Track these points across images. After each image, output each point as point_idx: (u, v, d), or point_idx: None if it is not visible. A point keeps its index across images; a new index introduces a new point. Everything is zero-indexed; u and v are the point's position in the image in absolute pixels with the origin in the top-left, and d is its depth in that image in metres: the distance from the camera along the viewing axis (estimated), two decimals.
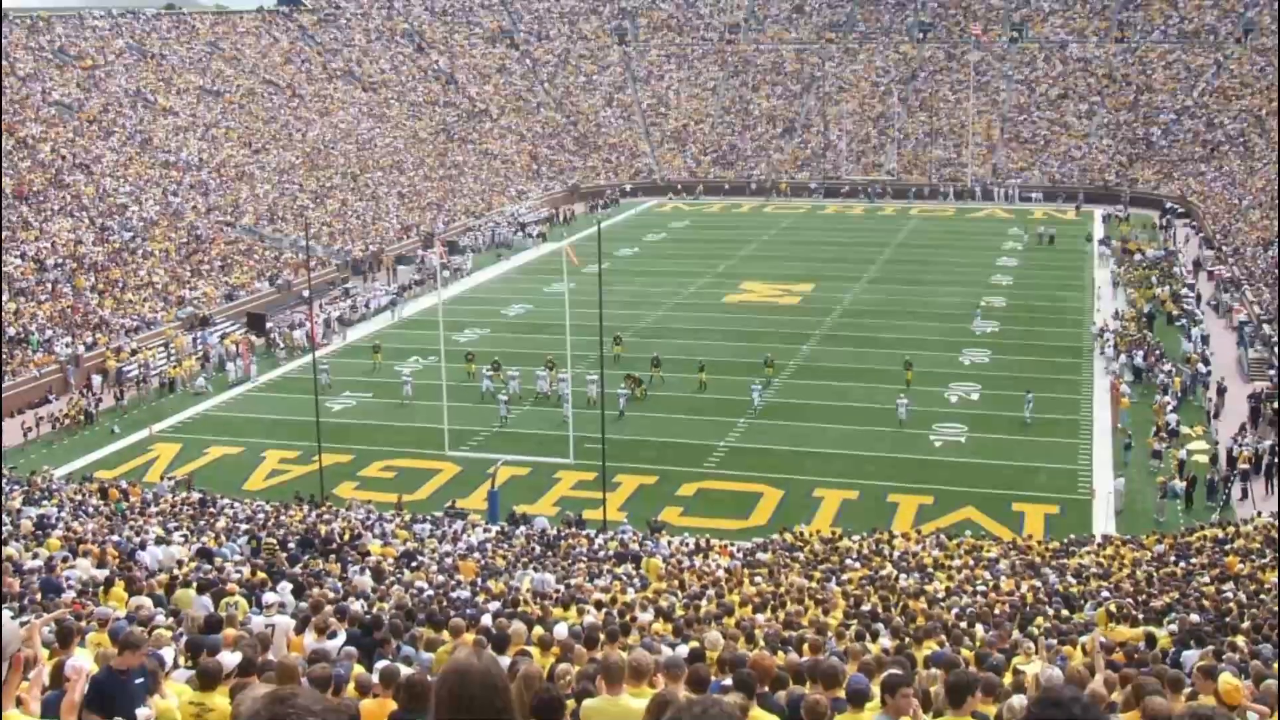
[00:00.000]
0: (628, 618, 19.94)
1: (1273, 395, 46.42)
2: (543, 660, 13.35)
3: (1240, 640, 17.68)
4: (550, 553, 32.64)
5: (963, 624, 21.40)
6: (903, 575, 28.53)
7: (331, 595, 20.55)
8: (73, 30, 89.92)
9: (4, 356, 51.85)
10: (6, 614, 8.28)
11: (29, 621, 10.94)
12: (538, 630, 15.83)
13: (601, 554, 32.69)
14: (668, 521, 38.77)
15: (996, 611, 23.63)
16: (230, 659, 10.82)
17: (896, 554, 32.27)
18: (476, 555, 31.34)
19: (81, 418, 50.16)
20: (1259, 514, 35.82)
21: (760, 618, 21.82)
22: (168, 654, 11.84)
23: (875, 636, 18.94)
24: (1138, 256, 74.47)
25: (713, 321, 63.52)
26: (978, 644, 18.46)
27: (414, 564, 29.11)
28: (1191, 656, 15.96)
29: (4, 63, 78.15)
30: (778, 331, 60.70)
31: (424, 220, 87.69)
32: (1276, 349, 51.51)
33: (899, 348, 55.87)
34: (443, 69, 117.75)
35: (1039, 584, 27.40)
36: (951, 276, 72.52)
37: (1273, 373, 49.20)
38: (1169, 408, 46.76)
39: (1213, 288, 66.49)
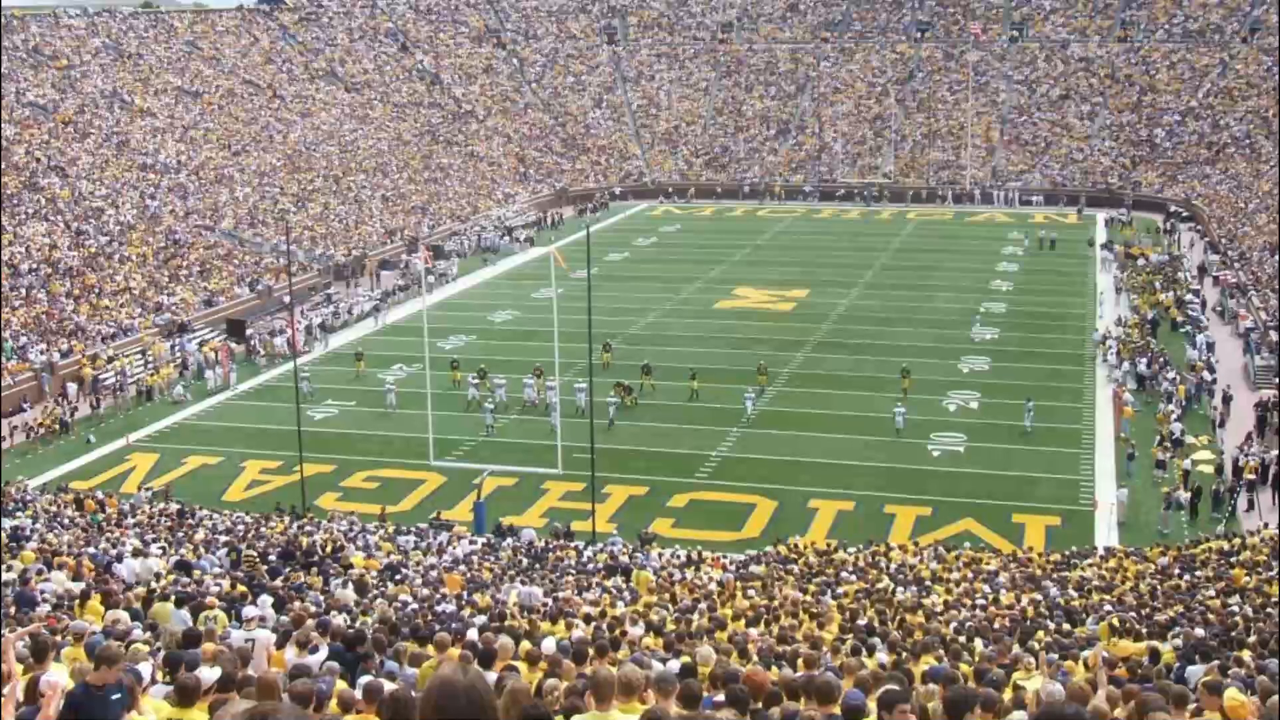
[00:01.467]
0: (617, 632, 19.93)
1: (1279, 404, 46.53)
2: (530, 675, 13.34)
3: (1246, 655, 17.67)
4: (538, 565, 32.62)
5: (961, 638, 21.41)
6: (900, 588, 28.53)
7: (313, 609, 20.52)
8: (47, 29, 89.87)
9: None
10: None
11: (2, 636, 10.93)
12: (525, 645, 15.82)
13: (590, 566, 32.68)
14: (658, 533, 38.77)
15: (996, 626, 23.65)
16: (209, 674, 10.81)
17: (893, 566, 32.29)
18: (462, 568, 31.31)
19: (56, 427, 50.04)
20: (1265, 525, 35.87)
21: (754, 632, 21.82)
22: (145, 669, 11.81)
23: (871, 651, 18.94)
24: (1141, 261, 74.65)
25: (705, 328, 63.56)
26: (977, 659, 18.48)
27: (398, 577, 29.08)
28: (1196, 672, 15.98)
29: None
30: (771, 338, 60.76)
31: (408, 224, 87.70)
32: None
33: (896, 355, 55.96)
34: (427, 69, 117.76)
35: (1040, 597, 27.42)
36: (950, 282, 72.63)
37: (1279, 380, 49.31)
38: (1173, 417, 46.82)
39: (1218, 293, 66.60)
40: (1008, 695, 13.89)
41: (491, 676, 11.54)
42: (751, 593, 27.84)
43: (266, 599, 20.86)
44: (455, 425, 48.76)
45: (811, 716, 9.45)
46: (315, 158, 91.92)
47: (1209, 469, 42.67)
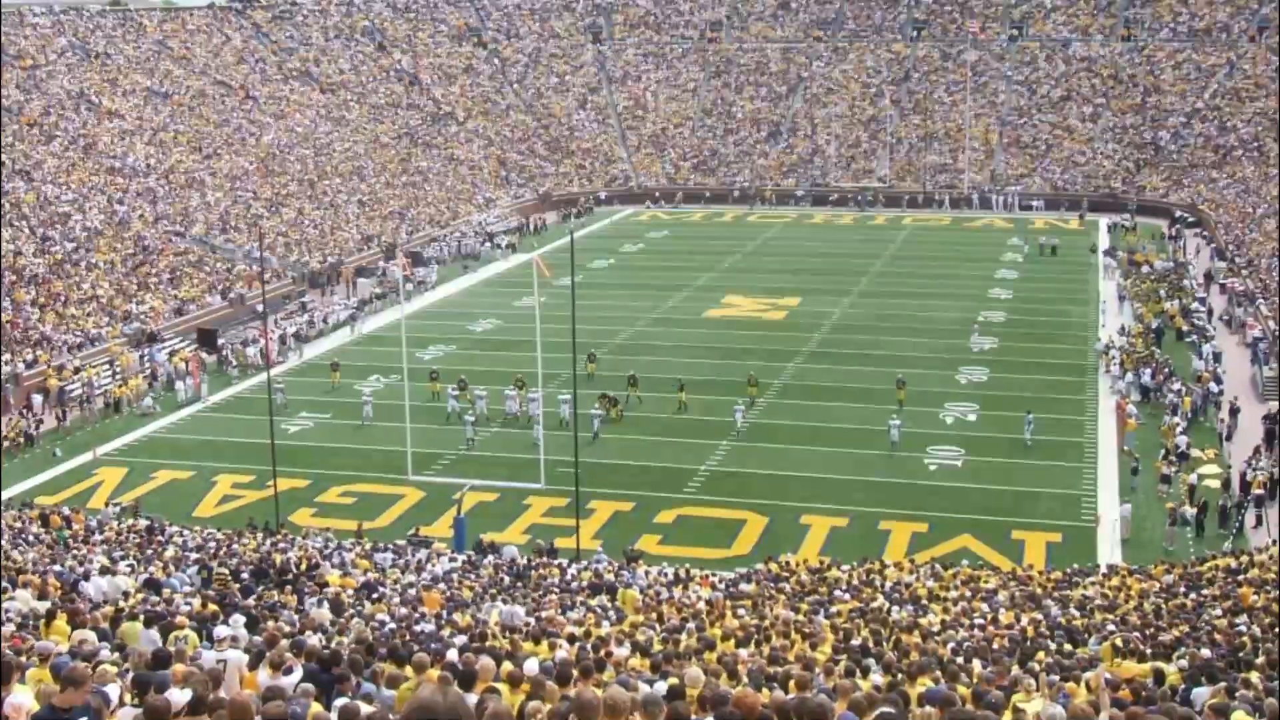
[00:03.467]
0: (602, 652, 19.92)
1: None
2: (512, 698, 13.34)
3: (1254, 677, 17.72)
4: (520, 583, 32.61)
5: (959, 659, 21.44)
6: (895, 607, 28.56)
7: (287, 629, 20.52)
8: (11, 28, 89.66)
9: None
10: None
11: None
12: (507, 666, 15.79)
13: (574, 585, 32.65)
14: (645, 550, 38.76)
15: (995, 646, 23.68)
16: (179, 697, 10.79)
17: (889, 585, 32.31)
18: (442, 586, 31.29)
19: (21, 440, 49.91)
20: (1274, 542, 35.91)
21: (744, 652, 21.82)
22: (113, 691, 11.80)
23: (866, 672, 18.94)
24: (1145, 268, 74.82)
25: (693, 338, 63.59)
26: (975, 681, 18.49)
27: (375, 595, 29.06)
28: (1202, 694, 16.02)
29: None
30: (762, 348, 60.81)
31: (385, 230, 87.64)
32: None
33: (891, 365, 56.02)
34: (406, 69, 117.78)
35: (1040, 617, 27.46)
36: (947, 290, 72.76)
37: None
38: (1179, 429, 46.91)
39: (1225, 302, 66.79)
40: (1007, 718, 13.93)
41: (472, 699, 11.55)
42: (742, 612, 27.84)
43: (239, 618, 20.82)
44: (434, 438, 48.73)
45: None
46: (289, 161, 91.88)
47: (1215, 483, 42.62)
